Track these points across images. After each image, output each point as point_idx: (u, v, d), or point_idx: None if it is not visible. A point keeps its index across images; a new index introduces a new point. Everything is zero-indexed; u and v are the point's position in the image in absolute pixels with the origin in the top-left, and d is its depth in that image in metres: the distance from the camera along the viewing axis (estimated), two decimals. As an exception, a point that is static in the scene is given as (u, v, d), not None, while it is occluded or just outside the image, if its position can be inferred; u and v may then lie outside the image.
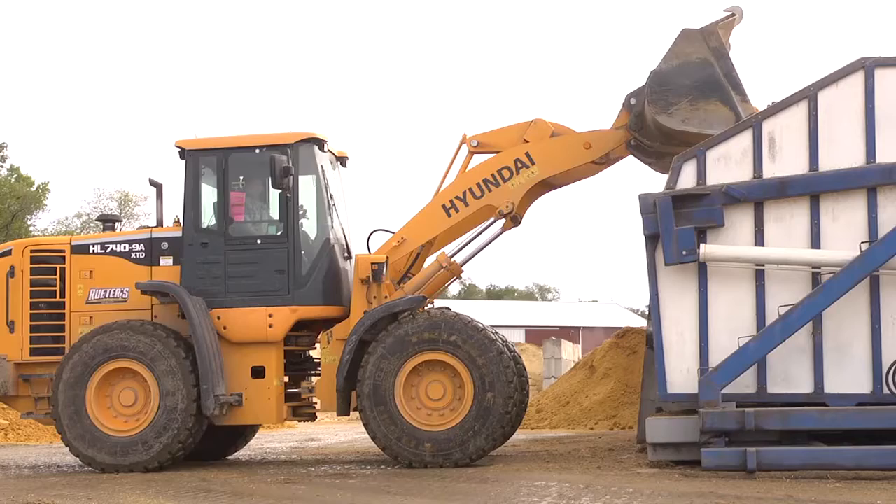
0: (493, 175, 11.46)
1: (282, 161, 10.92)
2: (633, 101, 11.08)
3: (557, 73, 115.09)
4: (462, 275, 12.22)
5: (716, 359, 9.75)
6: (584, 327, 61.54)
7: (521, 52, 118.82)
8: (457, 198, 11.51)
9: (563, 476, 9.69)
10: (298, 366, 11.86)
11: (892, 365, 9.63)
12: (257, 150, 11.31)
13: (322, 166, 11.61)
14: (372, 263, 11.21)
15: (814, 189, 9.84)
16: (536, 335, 51.26)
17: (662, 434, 10.02)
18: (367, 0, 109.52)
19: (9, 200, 42.00)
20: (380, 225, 11.93)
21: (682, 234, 9.80)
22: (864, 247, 9.55)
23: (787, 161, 9.96)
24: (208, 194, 11.44)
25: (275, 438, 17.97)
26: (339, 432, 21.07)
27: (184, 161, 11.44)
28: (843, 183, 9.79)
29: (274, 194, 11.35)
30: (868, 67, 9.85)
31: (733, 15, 10.91)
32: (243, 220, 11.55)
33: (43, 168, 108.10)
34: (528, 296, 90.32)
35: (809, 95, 9.94)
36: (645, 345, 13.63)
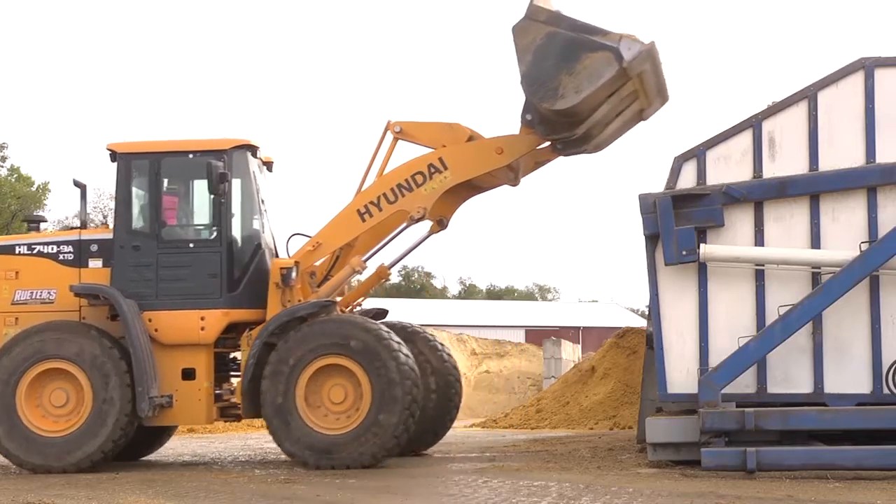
0: (406, 180, 11.50)
1: (219, 167, 11.05)
2: (528, 116, 11.04)
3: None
4: (390, 277, 12.37)
5: (716, 359, 9.76)
6: (584, 327, 61.57)
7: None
8: (371, 203, 11.57)
9: (563, 476, 9.69)
10: (225, 367, 11.97)
11: (891, 365, 9.63)
12: (191, 156, 11.43)
13: (254, 172, 11.80)
14: (281, 268, 11.34)
15: (814, 189, 9.85)
16: (536, 335, 51.26)
17: (662, 434, 10.03)
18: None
19: (9, 200, 42.06)
20: (299, 229, 12.10)
21: (682, 234, 9.81)
22: (864, 247, 9.56)
23: (786, 161, 9.97)
24: (140, 198, 11.52)
25: (275, 438, 17.93)
26: (339, 432, 20.99)
27: (115, 164, 11.49)
28: (843, 183, 9.80)
29: (206, 199, 11.46)
30: (868, 67, 9.86)
31: None
32: (176, 223, 11.65)
33: (43, 168, 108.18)
34: (528, 296, 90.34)
35: (809, 95, 9.95)
36: (645, 345, 13.63)
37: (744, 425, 9.31)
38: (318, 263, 11.74)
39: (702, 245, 9.81)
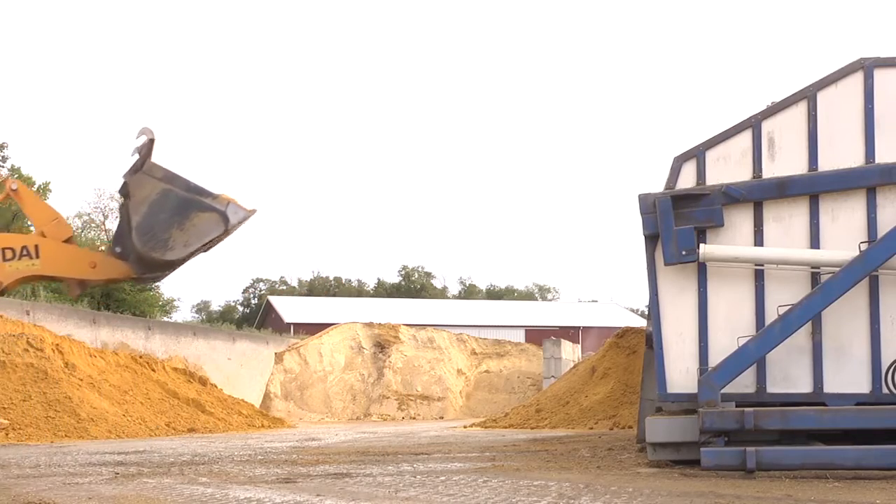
0: None
1: None
2: (118, 249, 11.35)
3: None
4: None
5: (715, 358, 9.77)
6: (583, 327, 61.63)
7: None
8: None
9: (563, 476, 9.70)
10: None
11: (891, 365, 9.64)
12: None
13: None
14: None
15: (813, 189, 9.86)
16: (536, 335, 51.31)
17: (662, 434, 10.03)
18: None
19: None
20: None
21: (681, 234, 9.82)
22: (864, 247, 9.57)
23: (786, 161, 9.99)
24: None
25: (275, 438, 17.99)
26: (340, 432, 21.08)
27: None
28: (842, 183, 9.81)
29: None
30: (867, 68, 9.87)
31: (145, 136, 11.30)
32: None
33: (44, 168, 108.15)
34: (528, 296, 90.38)
35: (809, 95, 9.97)
36: (644, 345, 13.65)
37: (743, 425, 9.32)
38: None
39: (701, 245, 9.83)
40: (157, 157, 11.27)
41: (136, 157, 11.04)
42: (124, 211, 10.95)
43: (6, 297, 27.21)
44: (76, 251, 11.82)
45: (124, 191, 11.00)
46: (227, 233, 10.97)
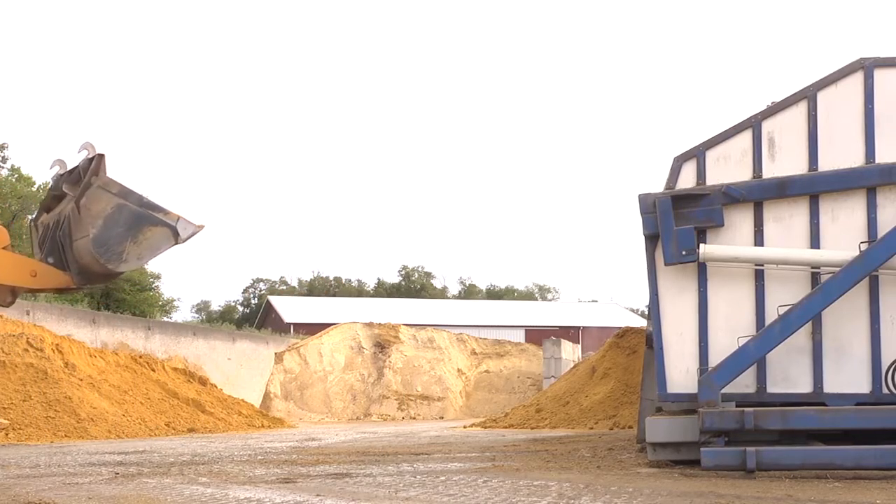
0: None
1: None
2: (50, 260, 11.42)
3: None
4: None
5: (715, 358, 9.77)
6: (583, 327, 61.64)
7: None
8: None
9: (563, 476, 9.70)
10: None
11: (891, 365, 9.65)
12: None
13: None
14: None
15: (813, 189, 9.87)
16: (536, 335, 51.33)
17: (662, 434, 10.04)
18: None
19: (10, 200, 42.05)
20: None
21: (681, 234, 9.82)
22: (864, 247, 9.57)
23: (786, 161, 9.99)
24: None
25: (275, 438, 18.01)
26: (340, 432, 21.10)
27: None
28: (842, 183, 9.82)
29: None
30: (867, 68, 9.88)
31: (86, 151, 11.41)
32: None
33: (44, 168, 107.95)
34: (528, 296, 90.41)
35: (809, 95, 9.97)
36: (645, 344, 13.65)
37: (743, 425, 9.32)
38: None
39: (701, 245, 9.83)
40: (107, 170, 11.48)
41: (58, 168, 11.15)
42: (66, 223, 11.01)
43: (6, 297, 27.22)
44: (17, 259, 11.94)
45: (48, 204, 11.08)
46: (176, 244, 11.30)
